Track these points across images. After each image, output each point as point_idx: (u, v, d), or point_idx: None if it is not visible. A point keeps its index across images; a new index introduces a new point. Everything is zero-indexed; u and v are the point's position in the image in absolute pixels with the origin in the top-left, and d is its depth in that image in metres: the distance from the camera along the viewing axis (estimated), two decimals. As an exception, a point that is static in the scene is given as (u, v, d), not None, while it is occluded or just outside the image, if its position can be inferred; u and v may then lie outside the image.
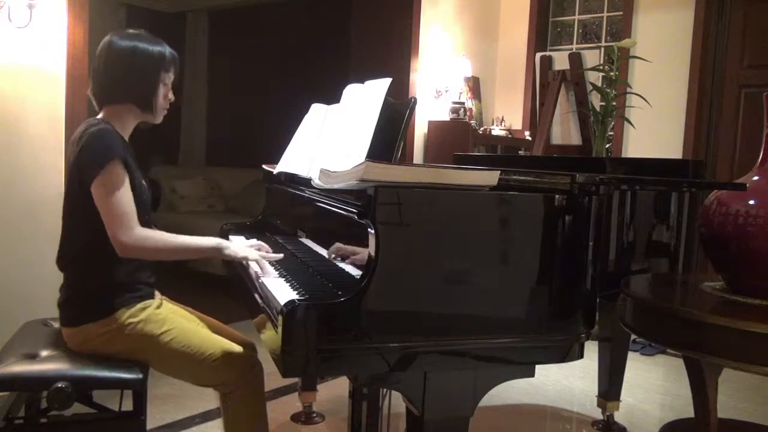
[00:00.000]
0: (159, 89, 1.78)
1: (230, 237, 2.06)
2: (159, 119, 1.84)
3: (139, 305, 1.71)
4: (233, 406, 1.72)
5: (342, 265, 1.62)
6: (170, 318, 1.74)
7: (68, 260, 1.76)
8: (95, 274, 1.70)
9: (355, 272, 1.51)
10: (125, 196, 1.63)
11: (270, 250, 1.84)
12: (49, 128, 2.63)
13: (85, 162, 1.64)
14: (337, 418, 2.68)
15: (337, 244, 1.69)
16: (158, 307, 1.77)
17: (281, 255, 1.81)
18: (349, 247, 1.63)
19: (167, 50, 1.80)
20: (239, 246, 1.77)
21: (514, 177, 1.85)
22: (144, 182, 1.79)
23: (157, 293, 1.87)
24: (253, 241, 1.88)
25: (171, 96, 1.84)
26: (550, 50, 4.99)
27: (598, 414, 2.76)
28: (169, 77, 1.82)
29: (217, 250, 1.72)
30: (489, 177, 1.44)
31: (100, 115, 1.79)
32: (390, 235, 1.31)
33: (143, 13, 6.47)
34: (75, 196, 1.70)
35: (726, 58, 4.27)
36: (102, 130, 1.67)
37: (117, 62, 1.74)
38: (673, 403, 3.08)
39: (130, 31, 1.79)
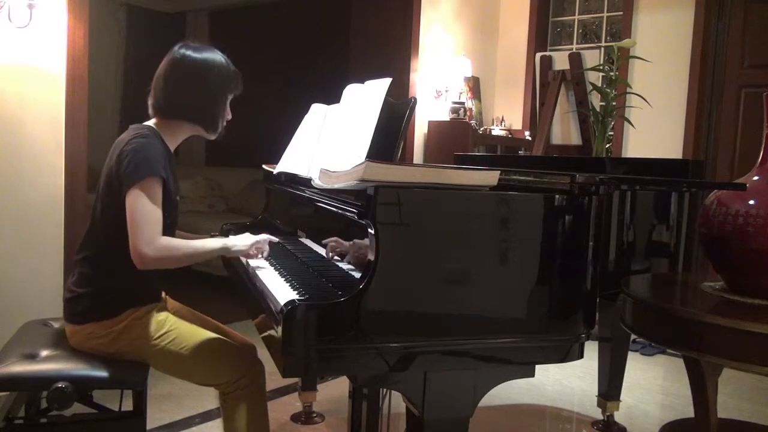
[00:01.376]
0: (225, 108, 1.77)
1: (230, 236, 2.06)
2: (216, 137, 1.82)
3: (145, 308, 1.71)
4: (233, 406, 1.72)
5: (342, 265, 1.63)
6: (171, 319, 1.75)
7: (85, 257, 1.74)
8: (109, 275, 1.70)
9: (356, 272, 1.51)
10: (156, 211, 1.61)
11: (273, 238, 1.88)
12: (49, 128, 2.63)
13: (125, 172, 1.62)
14: (337, 418, 2.68)
15: (336, 240, 1.70)
16: (161, 309, 1.77)
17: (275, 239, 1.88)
18: (347, 242, 1.63)
19: (233, 67, 1.78)
20: (241, 239, 1.79)
21: (514, 177, 1.85)
22: (178, 198, 1.79)
23: (162, 293, 1.87)
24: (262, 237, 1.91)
25: (229, 114, 1.82)
26: (550, 50, 4.99)
27: (598, 414, 2.76)
28: (231, 96, 1.80)
29: (225, 250, 1.75)
30: (489, 177, 1.44)
31: (150, 122, 1.77)
32: (390, 235, 1.31)
33: (143, 13, 6.47)
34: (108, 198, 1.68)
35: (726, 58, 4.27)
36: (148, 144, 1.65)
37: (190, 78, 1.71)
38: (673, 403, 3.08)
39: (194, 43, 1.75)
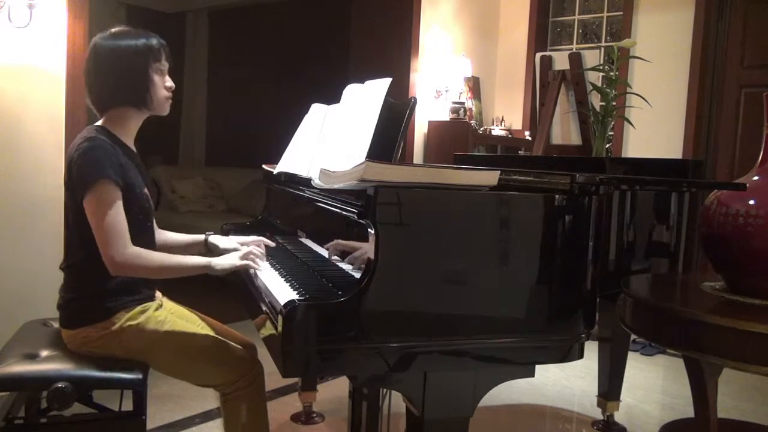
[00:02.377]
0: (153, 83, 1.73)
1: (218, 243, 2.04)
2: (164, 110, 1.78)
3: (138, 308, 1.71)
4: (233, 406, 1.72)
5: (342, 265, 1.63)
6: (169, 319, 1.74)
7: (69, 264, 1.75)
8: (95, 278, 1.69)
9: (355, 272, 1.51)
10: (115, 216, 1.60)
11: (268, 243, 1.85)
12: (49, 128, 2.63)
13: (76, 180, 1.62)
14: (337, 418, 2.68)
15: (337, 241, 1.69)
16: (157, 308, 1.77)
17: (272, 243, 1.84)
18: (349, 243, 1.63)
19: (153, 40, 1.74)
20: (226, 259, 1.72)
21: (514, 177, 1.85)
22: (146, 190, 1.77)
23: (158, 294, 1.87)
24: (251, 238, 1.89)
25: (170, 83, 1.78)
26: (550, 50, 4.99)
27: (598, 414, 2.76)
28: (163, 65, 1.76)
29: (208, 268, 1.69)
30: (489, 177, 1.44)
31: (100, 122, 1.76)
32: (390, 235, 1.31)
33: (143, 13, 6.47)
34: (73, 207, 1.69)
35: (726, 58, 4.27)
36: (92, 147, 1.63)
37: (103, 66, 1.70)
38: (673, 403, 3.08)
39: (113, 30, 1.73)
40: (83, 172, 1.61)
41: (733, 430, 2.43)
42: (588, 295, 1.50)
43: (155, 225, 1.91)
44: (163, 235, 1.99)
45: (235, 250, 1.84)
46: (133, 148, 1.80)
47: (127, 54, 1.70)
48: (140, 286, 1.75)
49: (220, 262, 1.70)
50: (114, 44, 1.70)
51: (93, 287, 1.70)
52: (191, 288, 2.61)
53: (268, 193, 2.58)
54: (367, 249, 1.36)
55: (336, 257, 1.69)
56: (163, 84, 1.76)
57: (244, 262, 1.70)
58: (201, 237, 2.02)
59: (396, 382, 1.40)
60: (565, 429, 2.87)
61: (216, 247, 1.96)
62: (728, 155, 4.28)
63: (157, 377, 1.81)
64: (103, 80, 1.72)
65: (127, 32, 1.73)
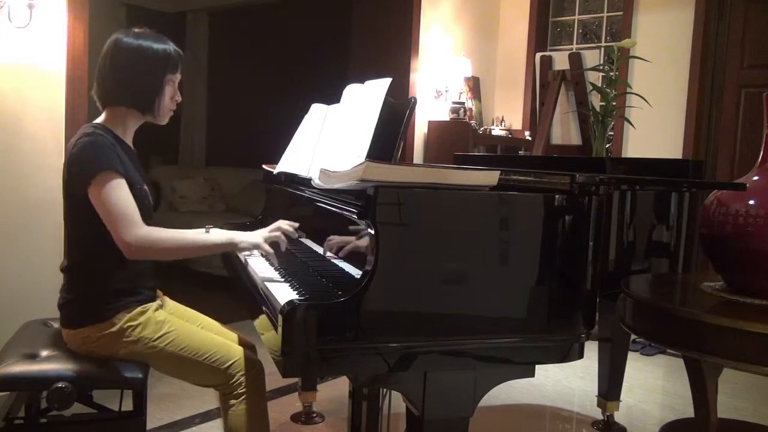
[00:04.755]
0: (163, 90, 1.73)
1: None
2: (164, 120, 1.79)
3: (139, 309, 1.70)
4: (233, 406, 1.72)
5: (342, 264, 1.63)
6: (169, 319, 1.74)
7: (70, 263, 1.75)
8: (95, 278, 1.69)
9: (355, 272, 1.51)
10: (124, 197, 1.60)
11: (294, 225, 1.81)
12: (49, 128, 2.63)
13: (77, 174, 1.62)
14: (337, 418, 2.68)
15: (331, 238, 1.69)
16: (157, 309, 1.77)
17: (295, 234, 1.80)
18: (344, 238, 1.62)
19: (172, 49, 1.74)
20: (252, 236, 1.72)
21: (514, 177, 1.85)
22: (146, 187, 1.77)
23: (158, 293, 1.87)
24: (279, 224, 1.87)
25: (178, 96, 1.79)
26: (550, 50, 4.99)
27: (598, 414, 2.76)
28: (176, 77, 1.77)
29: (231, 245, 1.68)
30: (489, 177, 1.44)
31: (100, 118, 1.76)
32: (390, 235, 1.31)
33: (143, 13, 6.47)
34: (72, 203, 1.69)
35: (726, 58, 4.27)
36: (92, 142, 1.63)
37: (121, 63, 1.70)
38: (673, 403, 3.08)
39: (136, 29, 1.74)
40: (85, 164, 1.60)
41: (733, 430, 2.43)
42: (588, 295, 1.50)
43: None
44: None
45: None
46: (132, 147, 1.81)
47: (146, 57, 1.70)
48: (141, 288, 1.75)
49: (246, 239, 1.69)
50: (135, 44, 1.70)
51: (94, 287, 1.70)
52: (191, 288, 2.60)
53: (268, 193, 2.58)
54: (364, 247, 1.36)
55: (331, 254, 1.69)
56: (172, 96, 1.77)
57: (268, 247, 1.69)
58: (201, 231, 2.02)
59: (396, 382, 1.40)
60: (565, 429, 2.87)
61: None
62: (728, 155, 4.28)
63: (157, 377, 1.82)
64: (116, 77, 1.71)
65: (150, 35, 1.73)
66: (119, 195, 1.60)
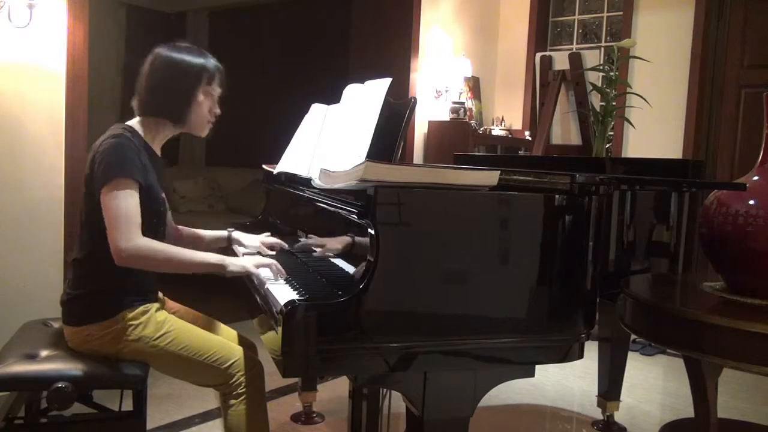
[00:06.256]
0: (196, 103, 1.75)
1: (241, 239, 2.04)
2: (202, 132, 1.82)
3: (141, 308, 1.71)
4: (233, 406, 1.72)
5: (342, 264, 1.63)
6: (170, 319, 1.74)
7: (77, 260, 1.74)
8: (101, 276, 1.70)
9: (350, 267, 1.51)
10: (131, 207, 1.60)
11: (284, 246, 1.85)
12: (49, 128, 2.63)
13: (97, 173, 1.63)
14: (337, 418, 2.68)
15: (305, 241, 1.67)
16: (159, 309, 1.77)
17: (286, 246, 1.84)
18: (320, 240, 1.62)
19: (210, 62, 1.78)
20: (241, 261, 1.71)
21: (514, 177, 1.85)
22: (163, 194, 1.79)
23: (159, 293, 1.87)
24: (273, 239, 1.92)
25: (217, 109, 1.82)
26: (550, 50, 4.99)
27: (598, 414, 2.76)
28: (214, 90, 1.79)
29: (220, 268, 1.67)
30: (489, 177, 1.44)
31: (132, 121, 1.78)
32: (390, 235, 1.31)
33: (143, 13, 6.47)
34: (89, 201, 1.69)
35: (726, 58, 4.27)
36: (118, 144, 1.65)
37: (156, 74, 1.73)
38: (673, 403, 3.08)
39: (178, 43, 1.78)
40: (106, 166, 1.62)
41: (733, 430, 2.43)
42: (588, 295, 1.50)
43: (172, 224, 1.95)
44: (187, 230, 2.04)
45: (257, 251, 1.90)
46: (158, 153, 1.83)
47: (180, 69, 1.73)
48: (145, 287, 1.75)
49: (235, 263, 1.69)
50: (171, 56, 1.74)
51: (99, 284, 1.70)
52: (191, 288, 2.61)
53: (268, 193, 2.58)
54: (355, 246, 1.36)
55: (328, 253, 1.70)
56: (209, 108, 1.79)
57: (257, 271, 1.66)
58: (224, 233, 2.03)
59: (396, 382, 1.40)
60: (565, 429, 2.87)
61: (240, 243, 2.00)
62: (728, 155, 4.28)
63: (157, 377, 1.81)
64: (151, 87, 1.74)
65: (189, 49, 1.77)
66: (127, 203, 1.60)
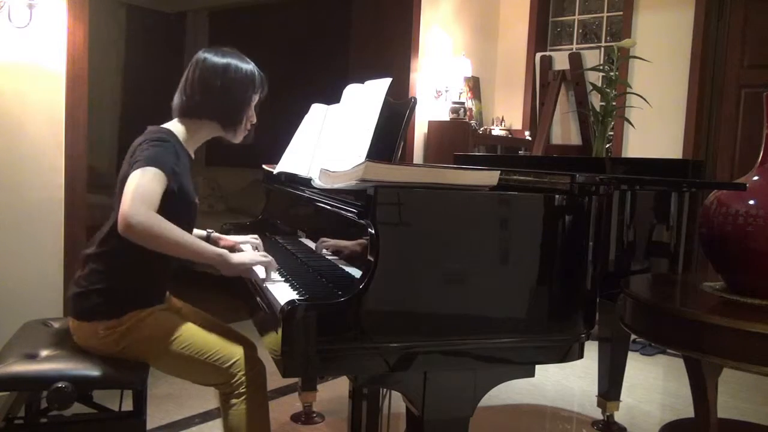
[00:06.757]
0: (248, 110, 1.79)
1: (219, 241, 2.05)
2: (238, 140, 1.84)
3: (149, 310, 1.71)
4: (234, 405, 1.72)
5: (342, 264, 1.62)
6: (172, 318, 1.74)
7: (100, 253, 1.72)
8: (121, 274, 1.70)
9: (355, 272, 1.51)
10: (153, 189, 1.58)
11: (259, 244, 1.88)
12: (49, 128, 2.63)
13: (137, 158, 1.63)
14: (337, 418, 2.68)
15: (323, 240, 1.68)
16: (163, 308, 1.77)
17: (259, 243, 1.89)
18: (336, 241, 1.62)
19: (257, 69, 1.81)
20: (240, 257, 1.70)
21: (514, 177, 1.85)
22: (197, 200, 1.80)
23: (167, 293, 1.87)
24: (246, 237, 1.94)
25: (254, 118, 1.84)
26: (550, 50, 4.99)
27: (598, 414, 2.76)
28: (257, 98, 1.82)
29: (219, 261, 1.65)
30: (489, 177, 1.44)
31: (170, 124, 1.78)
32: (390, 235, 1.31)
33: (143, 13, 6.47)
34: (121, 191, 1.66)
35: (726, 58, 4.27)
36: (165, 144, 1.67)
37: (210, 77, 1.75)
38: (673, 403, 3.08)
39: (224, 48, 1.81)
40: (147, 155, 1.62)
41: (733, 430, 2.43)
42: (588, 295, 1.50)
43: None
44: None
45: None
46: (193, 156, 1.84)
47: (238, 75, 1.77)
48: (158, 289, 1.76)
49: (235, 257, 1.68)
50: (225, 62, 1.77)
51: (117, 281, 1.70)
52: (192, 287, 2.61)
53: (268, 193, 2.58)
54: (353, 242, 1.36)
55: (325, 252, 1.69)
56: (250, 116, 1.83)
57: (258, 263, 1.68)
58: (202, 233, 2.03)
59: (396, 382, 1.40)
60: (565, 429, 2.87)
61: (218, 245, 1.97)
62: (728, 155, 4.28)
63: (157, 377, 1.82)
64: (204, 91, 1.76)
65: (237, 54, 1.81)
66: (152, 185, 1.59)
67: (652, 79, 4.36)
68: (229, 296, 2.08)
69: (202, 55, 1.79)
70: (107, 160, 6.04)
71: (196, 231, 2.02)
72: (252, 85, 1.80)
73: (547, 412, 2.97)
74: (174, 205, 1.65)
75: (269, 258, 1.69)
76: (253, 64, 1.83)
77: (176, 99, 1.81)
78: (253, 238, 1.99)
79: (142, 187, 1.57)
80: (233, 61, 1.78)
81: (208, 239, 2.00)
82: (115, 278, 1.71)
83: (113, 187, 1.73)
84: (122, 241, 1.66)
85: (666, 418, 2.88)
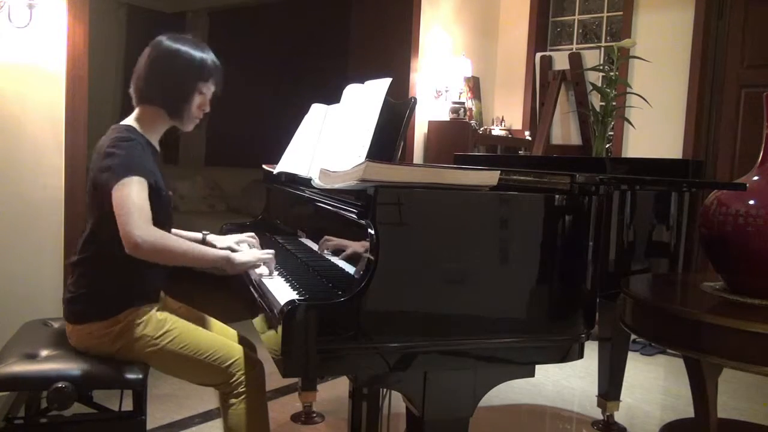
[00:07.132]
0: (192, 97, 1.76)
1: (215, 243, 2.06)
2: (188, 128, 1.82)
3: (145, 308, 1.71)
4: (233, 405, 1.72)
5: (342, 264, 1.63)
6: (171, 319, 1.74)
7: (83, 258, 1.73)
8: (107, 275, 1.70)
9: (350, 268, 1.51)
10: (143, 201, 1.60)
11: (255, 241, 1.88)
12: (49, 128, 2.63)
13: (109, 174, 1.62)
14: (337, 418, 2.68)
15: (326, 238, 1.68)
16: (161, 308, 1.77)
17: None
18: (339, 241, 1.62)
19: (210, 58, 1.77)
20: (244, 255, 1.72)
21: (514, 177, 1.85)
22: (170, 193, 1.79)
23: (161, 292, 1.87)
24: (244, 235, 1.93)
25: (207, 107, 1.82)
26: (550, 50, 4.99)
27: (598, 414, 2.76)
28: (208, 87, 1.79)
29: (226, 262, 1.67)
30: (489, 177, 1.44)
31: (130, 118, 1.78)
32: (390, 235, 1.31)
33: (143, 13, 6.47)
34: (98, 201, 1.68)
35: (726, 58, 4.27)
36: (130, 146, 1.66)
37: (158, 62, 1.74)
38: (673, 403, 3.08)
39: (185, 36, 1.78)
40: (117, 167, 1.61)
41: (733, 430, 2.43)
42: (588, 295, 1.50)
43: None
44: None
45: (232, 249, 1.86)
46: (158, 148, 1.83)
47: (183, 61, 1.74)
48: (149, 287, 1.75)
49: (239, 256, 1.70)
50: (174, 47, 1.74)
51: (103, 283, 1.70)
52: (192, 287, 2.60)
53: (268, 193, 2.58)
54: (356, 243, 1.36)
55: (327, 252, 1.69)
56: (200, 104, 1.80)
57: (262, 261, 1.70)
58: (198, 235, 2.02)
59: (396, 382, 1.40)
60: (565, 429, 2.87)
61: (213, 246, 1.96)
62: (728, 155, 4.28)
63: (157, 377, 1.81)
64: (151, 75, 1.74)
65: (190, 41, 1.77)
66: (140, 197, 1.60)
67: (652, 79, 4.36)
68: (229, 296, 2.08)
69: (158, 39, 1.76)
70: (107, 160, 6.03)
71: (191, 234, 2.03)
72: (199, 72, 1.75)
73: (547, 412, 2.97)
74: (152, 201, 1.64)
75: (271, 255, 1.70)
76: (210, 53, 1.78)
77: (132, 85, 1.79)
78: (250, 236, 1.99)
79: (134, 204, 1.57)
80: (184, 48, 1.74)
81: (204, 242, 2.00)
82: (100, 280, 1.71)
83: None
84: (102, 245, 1.68)
85: (666, 418, 2.87)
